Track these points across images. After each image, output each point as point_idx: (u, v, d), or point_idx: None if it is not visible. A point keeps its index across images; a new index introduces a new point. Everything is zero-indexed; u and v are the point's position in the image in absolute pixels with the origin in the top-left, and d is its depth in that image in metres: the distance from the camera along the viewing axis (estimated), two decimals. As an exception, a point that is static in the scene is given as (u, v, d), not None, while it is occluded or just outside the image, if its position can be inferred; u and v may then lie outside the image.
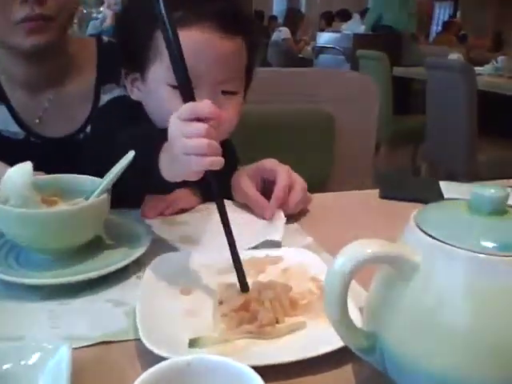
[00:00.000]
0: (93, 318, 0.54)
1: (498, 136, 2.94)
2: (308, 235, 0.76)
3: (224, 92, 0.77)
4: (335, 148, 1.59)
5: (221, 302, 0.52)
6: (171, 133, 0.58)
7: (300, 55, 6.34)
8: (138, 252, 0.64)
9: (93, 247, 0.66)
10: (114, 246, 0.67)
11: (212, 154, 0.54)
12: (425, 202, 0.93)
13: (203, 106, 0.56)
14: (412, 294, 0.40)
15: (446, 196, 0.92)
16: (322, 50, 5.19)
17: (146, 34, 0.75)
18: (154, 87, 0.78)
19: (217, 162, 0.54)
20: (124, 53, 0.83)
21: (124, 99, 0.86)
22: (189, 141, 0.55)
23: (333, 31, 6.14)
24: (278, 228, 0.74)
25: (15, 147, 0.93)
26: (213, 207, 0.83)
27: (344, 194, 0.97)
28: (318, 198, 0.86)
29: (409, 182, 1.02)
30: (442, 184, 0.99)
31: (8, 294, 0.58)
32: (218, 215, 0.80)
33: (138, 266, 0.63)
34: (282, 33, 6.39)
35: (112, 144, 0.70)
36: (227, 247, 0.61)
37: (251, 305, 0.51)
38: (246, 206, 0.84)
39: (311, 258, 0.65)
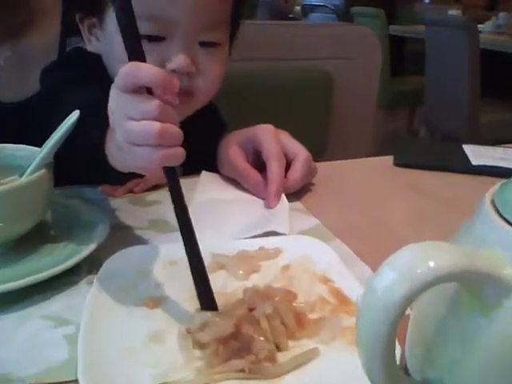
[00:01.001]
0: (23, 345, 0.39)
1: (498, 97, 2.79)
2: (313, 216, 0.60)
3: (203, 44, 0.63)
4: (333, 110, 1.44)
5: (189, 331, 0.37)
6: (110, 108, 0.41)
7: (290, 15, 6.08)
8: (91, 247, 0.48)
9: (31, 241, 0.50)
10: (61, 237, 0.51)
11: (168, 144, 0.38)
12: (449, 169, 0.79)
13: (148, 69, 0.38)
14: (501, 330, 0.24)
15: (474, 163, 0.77)
16: (311, 8, 4.88)
17: None
18: (114, 36, 0.61)
19: (174, 155, 0.39)
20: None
21: (78, 52, 0.70)
22: (133, 125, 0.38)
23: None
24: (281, 215, 0.58)
25: None
26: (192, 182, 0.68)
27: (352, 162, 0.81)
28: (321, 167, 0.70)
29: (426, 146, 0.86)
30: (467, 148, 0.83)
31: None
32: (198, 193, 0.66)
33: (90, 265, 0.48)
34: (273, -7, 6.11)
35: (59, 107, 0.54)
36: (207, 237, 0.45)
37: (242, 328, 0.35)
38: (235, 182, 0.68)
39: (319, 248, 0.49)
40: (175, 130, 0.38)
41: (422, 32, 3.01)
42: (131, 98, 0.39)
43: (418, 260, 0.24)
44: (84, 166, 0.53)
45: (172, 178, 0.40)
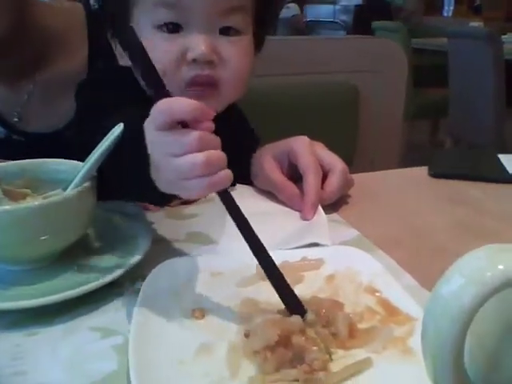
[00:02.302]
0: (71, 355, 0.39)
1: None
2: (352, 227, 0.60)
3: (224, 32, 0.61)
4: (360, 123, 1.43)
5: (247, 334, 0.37)
6: (151, 149, 0.42)
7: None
8: (133, 258, 0.48)
9: (74, 253, 0.51)
10: (103, 250, 0.52)
11: (216, 171, 0.39)
12: (487, 179, 0.78)
13: (180, 104, 0.39)
14: None
15: (511, 172, 0.75)
16: (315, 25, 4.50)
17: None
18: (143, 38, 0.61)
19: (224, 179, 0.39)
20: (107, 7, 0.67)
21: (115, 68, 0.70)
22: (178, 162, 0.39)
23: (324, 3, 5.13)
24: (320, 226, 0.57)
25: None
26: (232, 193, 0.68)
27: (386, 173, 0.80)
28: (356, 178, 0.69)
29: (460, 156, 0.85)
30: (502, 157, 0.82)
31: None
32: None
33: (133, 277, 0.48)
34: (291, 9, 6.14)
35: (99, 128, 0.55)
36: (247, 247, 0.45)
37: (293, 338, 0.35)
38: (270, 194, 0.68)
39: (362, 259, 0.49)
40: (219, 155, 0.39)
41: (442, 44, 3.00)
42: (169, 135, 0.39)
43: (487, 263, 0.23)
44: (128, 183, 0.54)
45: (227, 199, 0.41)
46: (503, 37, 3.31)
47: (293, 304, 0.40)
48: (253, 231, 0.42)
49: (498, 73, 2.52)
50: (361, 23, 3.94)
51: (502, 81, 2.52)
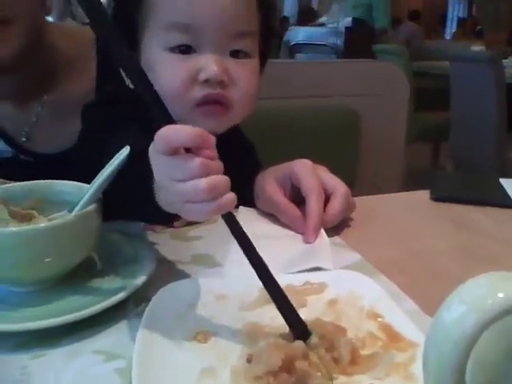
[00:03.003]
0: (75, 378, 0.39)
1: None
2: (353, 251, 0.60)
3: (234, 54, 0.64)
4: (361, 146, 1.44)
5: (250, 359, 0.37)
6: (155, 172, 0.42)
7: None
8: (137, 281, 0.49)
9: (79, 275, 0.51)
10: (107, 272, 0.52)
11: (219, 195, 0.39)
12: (487, 203, 0.78)
13: (183, 131, 0.39)
14: None
15: (512, 197, 0.76)
16: (299, 48, 4.08)
17: None
18: (150, 58, 0.64)
19: (228, 203, 0.40)
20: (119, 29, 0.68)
21: (121, 90, 0.71)
22: (182, 187, 0.40)
23: (311, 25, 4.66)
24: (323, 250, 0.58)
25: (3, 167, 0.78)
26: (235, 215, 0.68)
27: (388, 196, 0.81)
28: (358, 202, 0.70)
29: (463, 180, 0.86)
30: (504, 182, 0.82)
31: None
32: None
33: (137, 299, 0.48)
34: (295, 32, 6.23)
35: (105, 146, 0.56)
36: (251, 271, 0.46)
37: (296, 363, 0.35)
38: (273, 217, 0.68)
39: (364, 283, 0.49)
40: (222, 179, 0.39)
41: (443, 68, 3.03)
42: (173, 160, 0.40)
43: (488, 291, 0.24)
44: (133, 204, 0.54)
45: (231, 221, 0.41)
46: (504, 61, 3.34)
47: (298, 327, 0.40)
48: (257, 253, 0.42)
49: (499, 97, 2.54)
50: (350, 46, 3.92)
51: (504, 105, 2.53)
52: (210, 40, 0.61)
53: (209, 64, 0.61)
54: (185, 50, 0.62)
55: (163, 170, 0.42)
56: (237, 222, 0.42)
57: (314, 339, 0.39)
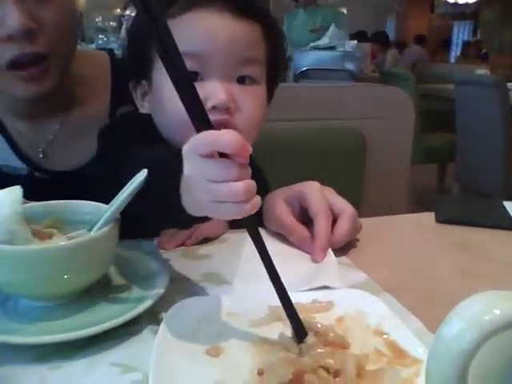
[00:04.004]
0: (92, 389, 0.41)
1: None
2: (360, 270, 0.62)
3: (240, 81, 0.66)
4: (367, 168, 1.47)
5: (261, 372, 0.39)
6: (191, 173, 0.45)
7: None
8: (152, 297, 0.51)
9: (96, 291, 0.53)
10: (123, 288, 0.54)
11: (251, 198, 0.42)
12: (491, 226, 0.80)
13: (228, 137, 0.42)
14: None
15: (515, 220, 0.78)
16: (313, 74, 3.61)
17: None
18: (159, 88, 0.66)
19: (256, 205, 0.43)
20: (131, 61, 0.72)
21: (135, 114, 0.75)
22: (219, 187, 0.42)
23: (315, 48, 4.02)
24: (330, 270, 0.60)
25: (18, 184, 0.81)
26: (242, 236, 0.70)
27: (394, 218, 0.83)
28: (365, 223, 0.72)
29: (467, 203, 0.88)
30: (508, 205, 0.84)
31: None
32: (247, 246, 0.68)
33: (151, 314, 0.50)
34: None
35: (124, 165, 0.58)
36: (260, 289, 0.49)
37: (306, 376, 0.37)
38: (281, 236, 0.70)
39: (371, 302, 0.51)
40: (253, 185, 0.42)
41: (449, 90, 3.07)
42: (211, 163, 0.42)
43: (485, 308, 0.26)
44: (151, 215, 0.57)
45: (252, 224, 0.45)
46: (509, 84, 3.38)
47: (297, 327, 0.44)
48: (271, 260, 0.46)
49: (504, 119, 2.56)
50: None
51: (508, 127, 2.56)
52: (218, 68, 0.64)
53: (216, 92, 0.63)
54: (193, 77, 0.64)
55: (201, 171, 0.44)
56: (256, 226, 0.45)
57: (310, 339, 0.42)
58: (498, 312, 0.25)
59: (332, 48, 3.74)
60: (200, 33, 0.64)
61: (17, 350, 0.45)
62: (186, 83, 0.44)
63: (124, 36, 4.41)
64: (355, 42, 4.10)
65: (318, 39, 4.11)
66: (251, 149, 0.42)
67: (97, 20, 6.29)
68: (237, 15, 0.65)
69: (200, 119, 0.44)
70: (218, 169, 0.42)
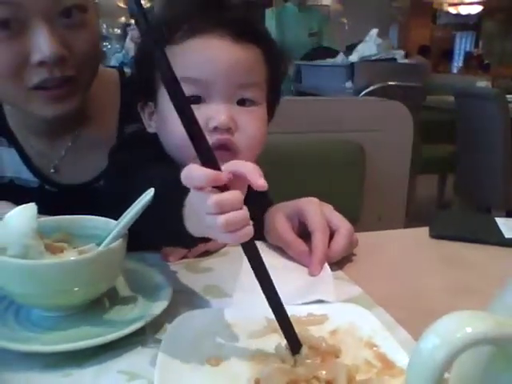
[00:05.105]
0: (101, 395, 0.44)
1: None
2: (355, 285, 0.65)
3: (241, 103, 0.70)
4: (367, 180, 1.49)
5: (258, 381, 0.42)
6: (193, 203, 0.48)
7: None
8: (156, 309, 0.54)
9: (103, 302, 0.56)
10: (130, 299, 0.57)
11: (236, 228, 0.44)
12: (483, 242, 0.83)
13: (197, 172, 0.45)
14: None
15: (506, 236, 0.81)
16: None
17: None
18: (164, 108, 0.70)
19: (243, 236, 0.45)
20: (138, 83, 0.76)
21: (143, 133, 0.78)
22: (206, 218, 0.45)
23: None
24: (326, 284, 0.63)
25: (28, 196, 0.84)
26: (240, 250, 0.73)
27: (389, 233, 0.86)
28: (361, 238, 0.75)
29: (460, 218, 0.91)
30: (499, 221, 0.87)
31: (3, 360, 0.48)
32: (246, 260, 0.71)
33: (156, 325, 0.53)
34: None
35: (130, 184, 0.61)
36: (259, 301, 0.51)
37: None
38: (280, 249, 0.73)
39: (363, 316, 0.54)
40: (239, 215, 0.44)
41: (449, 102, 3.09)
42: (199, 194, 0.45)
43: (457, 326, 0.29)
44: (157, 231, 0.60)
45: (250, 249, 0.48)
46: (508, 96, 3.41)
47: (292, 339, 0.47)
48: (270, 279, 0.48)
49: (504, 132, 2.59)
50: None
51: (509, 138, 2.58)
52: (219, 91, 0.68)
53: (217, 113, 0.67)
54: (195, 100, 0.68)
55: (193, 201, 0.48)
56: (256, 250, 0.48)
57: (304, 350, 0.45)
58: (469, 330, 0.28)
59: (392, 60, 3.05)
60: (201, 59, 0.67)
61: (30, 357, 0.48)
62: (186, 110, 0.46)
63: (129, 46, 4.47)
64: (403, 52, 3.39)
65: (317, 43, 3.95)
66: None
67: (101, 28, 6.35)
68: (237, 40, 0.68)
69: (198, 141, 0.46)
70: (203, 201, 0.44)
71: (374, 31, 3.12)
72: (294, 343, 0.47)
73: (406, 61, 3.21)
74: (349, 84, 2.95)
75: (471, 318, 0.29)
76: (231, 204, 0.44)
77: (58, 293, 0.52)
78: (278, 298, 0.48)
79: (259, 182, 0.45)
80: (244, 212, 0.44)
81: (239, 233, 0.44)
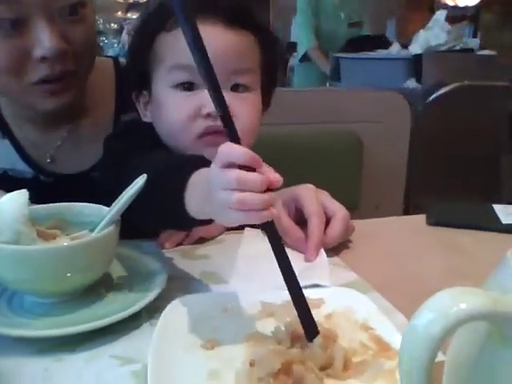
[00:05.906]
0: (94, 380, 0.44)
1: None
2: (351, 270, 0.64)
3: (234, 89, 0.70)
4: (364, 170, 1.49)
5: (253, 363, 0.41)
6: (211, 179, 0.47)
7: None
8: (151, 294, 0.53)
9: (99, 288, 0.56)
10: (124, 286, 0.57)
11: (251, 208, 0.44)
12: (480, 228, 0.83)
13: (237, 149, 0.45)
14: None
15: (504, 222, 0.80)
16: None
17: (148, 39, 0.71)
18: (159, 95, 0.70)
19: (260, 217, 0.44)
20: (133, 73, 0.75)
21: (139, 122, 0.77)
22: (221, 195, 0.44)
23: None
24: (322, 268, 0.63)
25: (23, 187, 0.84)
26: (238, 237, 0.73)
27: (386, 220, 0.86)
28: (358, 225, 0.75)
29: (458, 206, 0.90)
30: (497, 208, 0.87)
31: (-4, 345, 0.48)
32: (243, 247, 0.71)
33: (150, 311, 0.53)
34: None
35: (124, 171, 0.61)
36: (254, 287, 0.51)
37: (294, 366, 0.40)
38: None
39: (358, 300, 0.53)
40: (255, 197, 0.43)
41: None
42: (222, 172, 0.45)
43: (452, 302, 0.28)
44: (155, 216, 0.60)
45: (270, 228, 0.48)
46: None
47: (309, 327, 0.46)
48: (289, 261, 0.49)
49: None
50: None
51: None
52: None
53: (210, 100, 0.66)
54: (188, 87, 0.68)
55: (213, 180, 0.46)
56: (275, 229, 0.48)
57: (319, 340, 0.44)
58: (463, 306, 0.28)
59: (469, 51, 2.40)
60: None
61: (22, 343, 0.48)
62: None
63: (125, 40, 4.45)
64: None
65: (358, 35, 3.18)
66: (261, 160, 0.44)
67: (98, 22, 6.33)
68: (230, 26, 0.68)
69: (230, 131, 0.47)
70: (223, 177, 0.44)
71: (442, 14, 2.43)
72: (311, 330, 0.46)
73: (486, 52, 2.44)
74: (411, 83, 2.29)
75: (465, 293, 0.29)
76: (253, 183, 0.44)
77: (51, 279, 0.51)
78: (299, 288, 0.47)
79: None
80: (262, 195, 0.44)
81: (252, 214, 0.43)
